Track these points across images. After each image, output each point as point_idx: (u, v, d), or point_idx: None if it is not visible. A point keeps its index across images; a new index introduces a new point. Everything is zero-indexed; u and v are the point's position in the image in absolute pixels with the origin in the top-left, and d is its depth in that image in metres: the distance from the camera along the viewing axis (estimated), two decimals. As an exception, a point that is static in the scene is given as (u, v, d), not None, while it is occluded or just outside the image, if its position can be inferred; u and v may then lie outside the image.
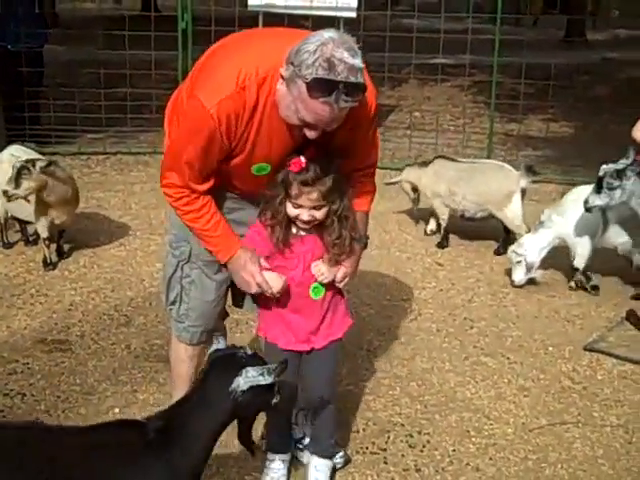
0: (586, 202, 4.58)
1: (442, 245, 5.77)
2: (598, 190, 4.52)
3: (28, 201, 4.95)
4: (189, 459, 2.26)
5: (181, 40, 7.52)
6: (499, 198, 5.52)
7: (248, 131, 2.59)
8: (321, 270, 2.82)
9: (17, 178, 4.74)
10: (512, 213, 5.52)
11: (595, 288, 4.99)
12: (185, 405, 2.34)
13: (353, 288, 4.65)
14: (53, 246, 5.22)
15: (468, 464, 3.28)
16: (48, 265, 5.08)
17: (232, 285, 2.97)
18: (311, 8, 7.28)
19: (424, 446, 3.38)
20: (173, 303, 3.07)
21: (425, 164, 5.96)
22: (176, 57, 7.58)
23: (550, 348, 4.29)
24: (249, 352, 2.35)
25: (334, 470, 3.15)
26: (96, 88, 7.97)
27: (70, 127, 7.92)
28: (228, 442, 2.92)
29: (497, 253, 5.62)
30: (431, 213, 5.95)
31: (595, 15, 20.69)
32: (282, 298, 2.85)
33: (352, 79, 2.38)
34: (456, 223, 5.86)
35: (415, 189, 5.99)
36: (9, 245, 5.46)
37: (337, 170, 2.73)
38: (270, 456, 3.09)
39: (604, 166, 4.52)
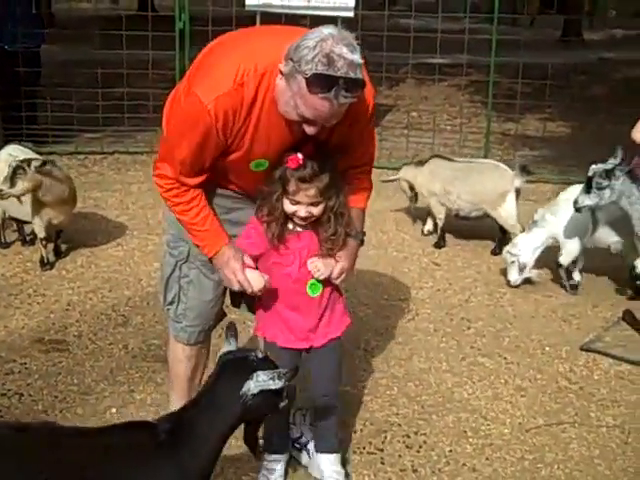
0: (575, 202, 4.59)
1: (439, 245, 5.78)
2: (587, 190, 4.53)
3: (21, 201, 4.95)
4: (198, 460, 2.26)
5: (178, 40, 7.51)
6: (493, 197, 5.53)
7: (245, 127, 2.59)
8: (317, 266, 2.83)
9: (12, 177, 4.74)
10: (506, 212, 5.53)
11: (574, 287, 5.01)
12: (195, 407, 2.34)
13: (350, 288, 4.66)
14: (50, 246, 5.22)
15: (465, 464, 3.29)
16: (45, 265, 5.08)
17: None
18: (308, 8, 7.28)
19: (421, 446, 3.39)
20: (171, 303, 3.07)
21: (421, 163, 5.98)
22: (173, 57, 7.58)
23: (547, 348, 4.30)
24: (260, 355, 2.35)
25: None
26: (93, 88, 7.96)
27: (67, 127, 7.91)
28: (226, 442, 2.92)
29: (494, 253, 5.63)
30: (428, 213, 5.96)
31: (592, 15, 20.73)
32: (279, 296, 2.87)
33: (351, 75, 2.38)
34: (453, 223, 5.87)
35: (412, 188, 6.01)
36: (6, 245, 5.46)
37: (334, 167, 2.75)
38: (268, 456, 3.09)
39: (593, 166, 4.54)
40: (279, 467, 3.08)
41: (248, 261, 2.79)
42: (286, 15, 7.07)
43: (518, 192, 5.54)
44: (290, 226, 2.82)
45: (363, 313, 4.60)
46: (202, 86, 2.57)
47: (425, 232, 6.01)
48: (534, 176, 6.34)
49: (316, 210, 2.76)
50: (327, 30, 2.42)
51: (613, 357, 4.19)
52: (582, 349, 4.28)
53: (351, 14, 7.20)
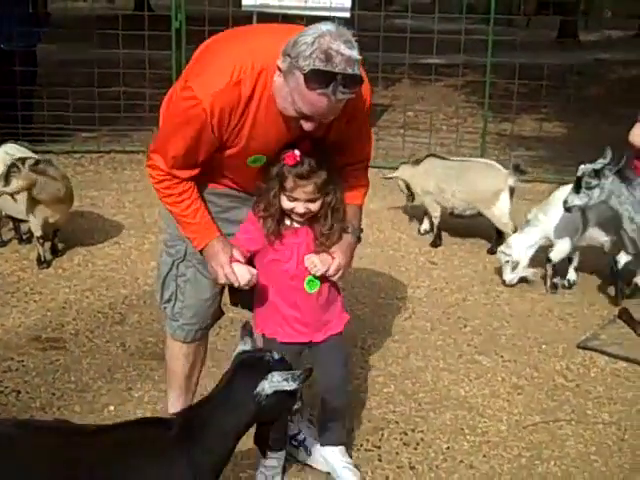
0: (565, 202, 4.59)
1: (435, 244, 5.79)
2: (577, 190, 4.53)
3: (15, 200, 4.95)
4: (211, 457, 2.27)
5: (175, 39, 7.53)
6: (487, 196, 5.55)
7: (242, 125, 2.59)
8: (314, 262, 2.83)
9: (6, 176, 4.74)
10: (499, 211, 5.54)
11: (554, 287, 5.02)
12: (208, 404, 2.34)
13: (347, 286, 4.67)
14: (47, 244, 5.21)
15: (462, 461, 3.29)
16: (42, 263, 5.08)
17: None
18: (305, 8, 7.30)
19: (418, 444, 3.39)
20: (168, 301, 3.07)
21: (417, 162, 6.00)
22: (170, 56, 7.59)
23: (543, 346, 4.31)
24: (276, 356, 2.35)
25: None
26: (89, 87, 7.95)
27: (64, 126, 7.91)
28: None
29: (490, 252, 5.64)
30: (425, 212, 5.97)
31: (587, 15, 20.78)
32: (277, 292, 2.87)
33: (349, 71, 2.38)
34: (449, 222, 5.88)
35: (409, 187, 6.02)
36: (3, 243, 5.46)
37: (331, 163, 2.76)
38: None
39: (582, 166, 4.54)
40: (276, 464, 3.09)
41: (237, 255, 2.78)
42: (283, 15, 7.08)
43: (512, 191, 5.55)
44: (287, 222, 2.83)
45: (360, 311, 4.61)
46: (198, 82, 2.56)
47: (422, 231, 6.03)
48: (530, 176, 6.36)
49: (314, 206, 2.77)
50: (325, 26, 2.43)
51: (609, 355, 4.20)
52: (578, 347, 4.29)
53: (347, 14, 7.21)
